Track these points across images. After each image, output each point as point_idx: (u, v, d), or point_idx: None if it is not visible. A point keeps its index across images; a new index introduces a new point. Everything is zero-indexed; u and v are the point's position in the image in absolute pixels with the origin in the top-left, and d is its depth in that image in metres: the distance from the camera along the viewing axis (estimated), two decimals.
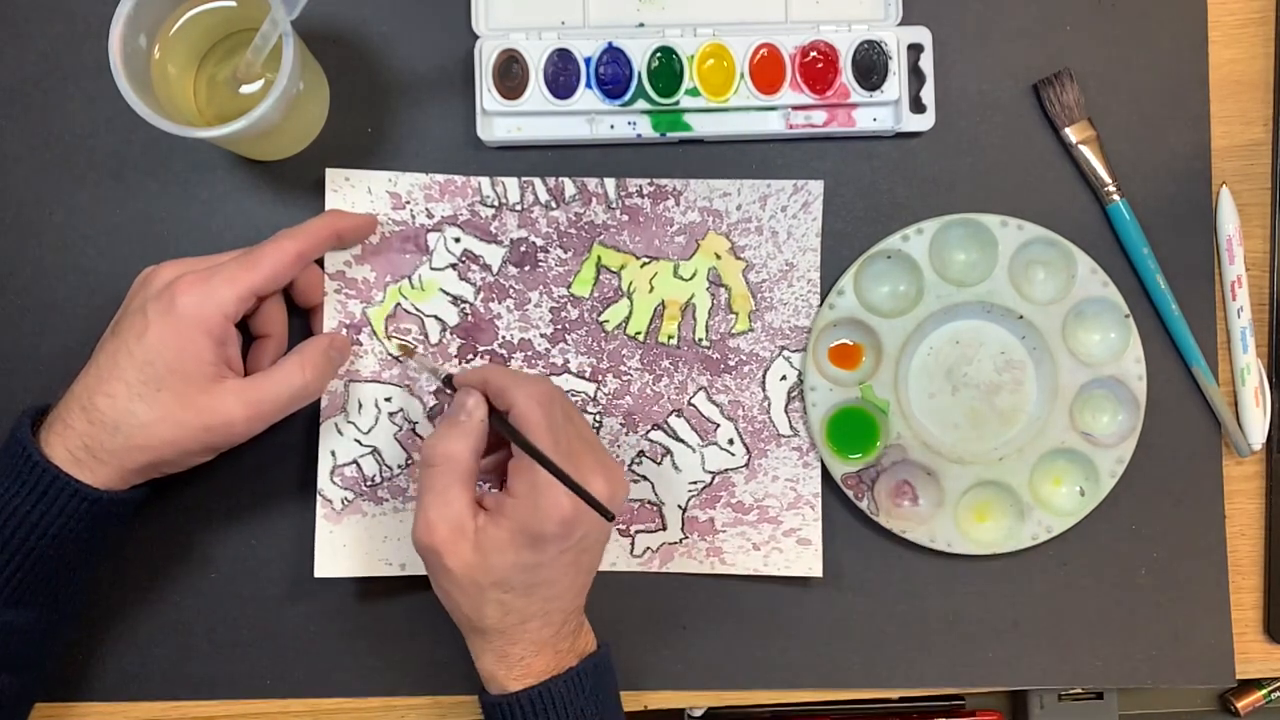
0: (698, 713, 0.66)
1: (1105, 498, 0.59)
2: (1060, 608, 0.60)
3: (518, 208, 0.59)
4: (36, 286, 0.59)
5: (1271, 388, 0.61)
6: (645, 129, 0.58)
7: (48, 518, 0.49)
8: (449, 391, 0.54)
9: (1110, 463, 0.59)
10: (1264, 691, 0.68)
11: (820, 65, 0.58)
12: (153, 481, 0.53)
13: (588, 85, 0.58)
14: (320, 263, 0.58)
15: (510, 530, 0.49)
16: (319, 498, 0.58)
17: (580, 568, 0.51)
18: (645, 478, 0.60)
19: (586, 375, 0.59)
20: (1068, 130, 0.60)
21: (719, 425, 0.60)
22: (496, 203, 0.59)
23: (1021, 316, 0.59)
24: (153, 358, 0.49)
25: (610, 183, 0.59)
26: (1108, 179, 0.60)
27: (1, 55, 0.59)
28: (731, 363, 0.60)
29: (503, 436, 0.51)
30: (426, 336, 0.59)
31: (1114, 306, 0.59)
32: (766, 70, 0.58)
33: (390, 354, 0.58)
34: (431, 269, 0.59)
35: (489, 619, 0.50)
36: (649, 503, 0.60)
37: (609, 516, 0.47)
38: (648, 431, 0.60)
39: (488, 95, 0.58)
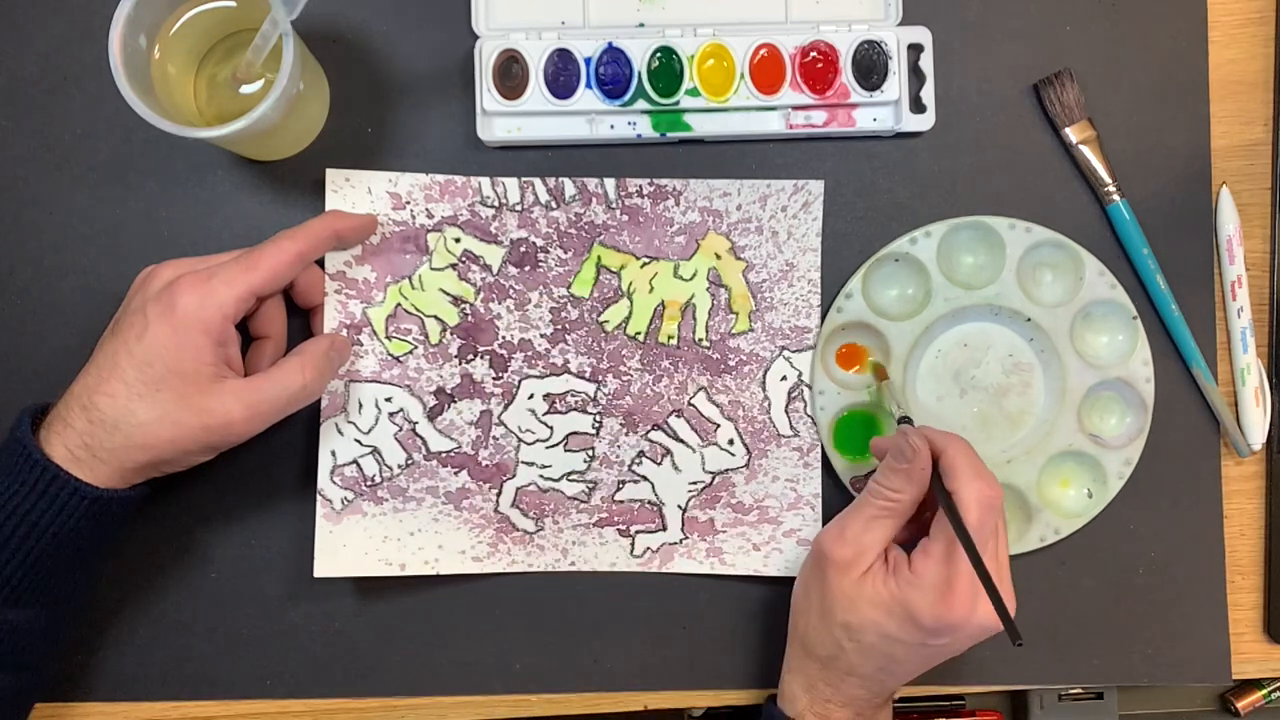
0: (698, 713, 0.66)
1: None
2: (1060, 608, 0.60)
3: (518, 208, 0.59)
4: (36, 286, 0.59)
5: (1271, 388, 0.61)
6: (645, 129, 0.58)
7: (47, 516, 0.49)
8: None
9: (1118, 464, 0.59)
10: (1264, 691, 0.68)
11: (820, 65, 0.58)
12: (153, 481, 0.53)
13: (588, 85, 0.58)
14: (320, 263, 0.58)
15: (892, 597, 0.49)
16: (319, 498, 0.58)
17: (926, 662, 0.52)
18: (645, 478, 0.60)
19: (586, 375, 0.59)
20: (1068, 130, 0.60)
21: (719, 425, 0.60)
22: (496, 203, 0.59)
23: (1029, 319, 0.59)
24: (152, 358, 0.49)
25: (610, 183, 0.59)
26: (1108, 179, 0.60)
27: (1, 55, 0.59)
28: (731, 363, 0.60)
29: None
30: (427, 336, 0.59)
31: (1122, 308, 0.59)
32: (766, 70, 0.58)
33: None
34: (431, 269, 0.59)
35: (821, 647, 0.52)
36: (649, 503, 0.60)
37: (1017, 640, 0.45)
38: (648, 432, 0.59)
39: (488, 95, 0.58)
